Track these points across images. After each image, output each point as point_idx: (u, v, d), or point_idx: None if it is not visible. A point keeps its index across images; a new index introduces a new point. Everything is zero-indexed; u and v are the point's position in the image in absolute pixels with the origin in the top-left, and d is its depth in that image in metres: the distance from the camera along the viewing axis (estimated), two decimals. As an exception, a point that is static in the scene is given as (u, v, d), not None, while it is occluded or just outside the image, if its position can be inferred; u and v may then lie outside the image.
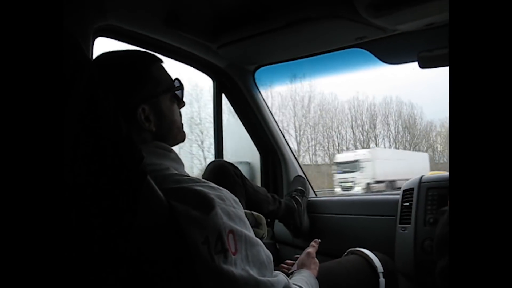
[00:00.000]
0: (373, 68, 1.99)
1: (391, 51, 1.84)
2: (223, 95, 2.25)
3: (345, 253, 1.53)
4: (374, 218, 1.95)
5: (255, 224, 1.19)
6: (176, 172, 0.95)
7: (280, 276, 0.91)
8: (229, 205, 0.86)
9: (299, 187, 2.18)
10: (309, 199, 2.27)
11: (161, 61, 1.04)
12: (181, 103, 1.07)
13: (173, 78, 1.06)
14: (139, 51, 1.07)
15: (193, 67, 2.07)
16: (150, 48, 1.60)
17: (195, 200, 0.82)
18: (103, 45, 1.47)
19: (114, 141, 0.66)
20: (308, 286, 1.07)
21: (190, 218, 0.79)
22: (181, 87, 1.06)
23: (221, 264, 0.78)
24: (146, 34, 1.65)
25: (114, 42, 1.59)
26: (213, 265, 0.78)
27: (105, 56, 0.99)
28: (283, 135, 2.33)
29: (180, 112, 1.07)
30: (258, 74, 2.21)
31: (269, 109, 2.26)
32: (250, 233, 0.88)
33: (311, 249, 1.33)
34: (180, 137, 1.06)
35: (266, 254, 0.89)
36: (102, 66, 0.93)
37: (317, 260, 1.30)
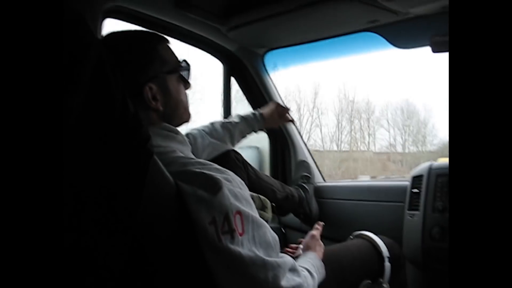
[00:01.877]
0: (384, 51, 1.96)
1: (403, 35, 1.81)
2: (232, 78, 2.23)
3: (351, 237, 1.53)
4: (382, 204, 1.94)
5: (261, 207, 1.19)
6: (182, 154, 0.95)
7: (287, 257, 0.91)
8: (235, 186, 0.87)
9: (305, 173, 2.17)
10: (318, 184, 2.27)
11: (167, 41, 1.04)
12: (188, 85, 1.08)
13: (181, 59, 1.06)
14: (145, 31, 1.08)
15: (203, 49, 2.06)
16: (159, 30, 1.57)
17: (202, 181, 0.82)
18: (112, 27, 1.46)
19: (121, 119, 0.66)
20: (314, 268, 1.07)
21: (197, 199, 0.80)
22: (188, 67, 1.06)
23: (228, 244, 0.79)
24: (156, 16, 1.65)
25: (123, 24, 1.58)
26: (220, 245, 0.79)
27: (112, 35, 1.00)
28: (292, 120, 2.32)
29: (186, 93, 1.07)
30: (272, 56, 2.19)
31: (278, 93, 2.25)
32: (256, 214, 0.88)
33: (316, 231, 1.33)
34: (186, 117, 1.07)
35: (272, 235, 0.90)
36: (109, 45, 0.93)
37: (322, 243, 1.30)
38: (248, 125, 1.67)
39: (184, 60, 1.06)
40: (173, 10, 1.62)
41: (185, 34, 1.84)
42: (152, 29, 1.59)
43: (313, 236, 1.30)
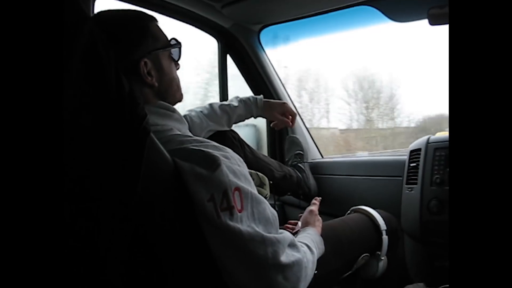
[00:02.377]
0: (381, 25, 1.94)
1: (400, 8, 1.79)
2: (228, 56, 2.21)
3: (348, 212, 1.54)
4: (380, 179, 1.95)
5: (259, 184, 1.19)
6: (180, 133, 0.95)
7: (286, 233, 0.92)
8: (234, 163, 0.87)
9: (298, 151, 2.16)
10: (315, 160, 2.27)
11: (156, 20, 1.04)
12: (177, 64, 1.08)
13: (170, 38, 1.06)
14: (136, 10, 1.08)
15: (197, 27, 2.04)
16: (153, 8, 1.56)
17: (200, 158, 0.82)
18: (104, 6, 1.44)
19: (117, 98, 0.65)
20: (314, 243, 1.08)
21: (196, 176, 0.80)
22: (179, 45, 1.07)
23: (227, 221, 0.79)
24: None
25: (116, 2, 1.55)
26: (219, 221, 0.79)
27: (104, 14, 0.99)
28: (289, 96, 2.31)
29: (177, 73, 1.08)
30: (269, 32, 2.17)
31: (274, 70, 2.23)
32: (255, 191, 0.88)
33: (314, 207, 1.34)
34: (178, 95, 1.07)
35: (271, 212, 0.90)
36: (102, 24, 0.93)
37: (320, 218, 1.31)
38: (247, 109, 1.64)
39: (174, 38, 1.07)
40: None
41: (179, 11, 1.81)
42: (146, 7, 1.57)
43: (311, 211, 1.31)
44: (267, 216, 0.88)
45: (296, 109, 2.34)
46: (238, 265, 0.83)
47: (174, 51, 1.05)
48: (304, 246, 1.01)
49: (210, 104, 1.61)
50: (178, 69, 1.09)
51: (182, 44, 1.07)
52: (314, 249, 1.04)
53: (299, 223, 1.29)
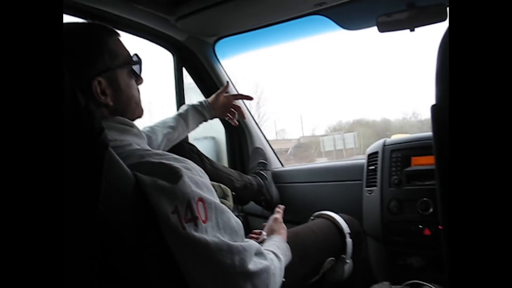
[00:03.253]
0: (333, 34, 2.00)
1: (350, 17, 1.85)
2: (183, 69, 2.21)
3: (312, 218, 1.56)
4: (341, 183, 1.99)
5: (223, 195, 1.19)
6: (139, 147, 0.93)
7: (252, 241, 0.92)
8: (195, 174, 0.86)
9: (261, 160, 2.18)
10: (276, 169, 2.29)
11: (118, 34, 1.01)
12: (140, 79, 1.05)
13: (132, 53, 1.02)
14: (94, 23, 1.03)
15: (152, 41, 2.02)
16: (106, 23, 1.53)
17: (162, 171, 0.81)
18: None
19: (72, 112, 0.64)
20: (280, 250, 1.09)
21: (158, 189, 0.78)
22: (139, 62, 1.03)
23: (192, 232, 0.78)
24: (101, 8, 1.60)
25: (67, 17, 1.53)
26: (184, 233, 0.77)
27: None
28: (247, 107, 2.32)
29: (138, 88, 1.04)
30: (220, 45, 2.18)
31: (231, 81, 2.24)
32: (218, 201, 0.88)
33: (278, 215, 1.35)
34: (138, 112, 1.03)
35: (236, 221, 0.90)
36: None
37: (284, 225, 1.32)
38: (198, 113, 1.64)
39: (136, 54, 1.03)
40: (119, 2, 1.58)
41: (133, 26, 1.80)
42: (98, 22, 1.55)
43: (276, 219, 1.32)
44: (232, 225, 0.88)
45: (256, 124, 2.36)
46: (206, 276, 0.82)
47: (134, 66, 1.02)
48: (270, 253, 1.01)
49: (162, 119, 1.61)
50: (140, 83, 1.05)
51: (142, 60, 1.04)
52: (281, 256, 1.04)
53: (264, 232, 1.30)
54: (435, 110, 0.89)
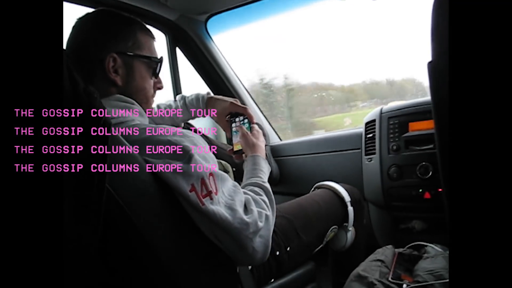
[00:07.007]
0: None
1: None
2: (177, 48, 2.20)
3: (312, 189, 1.58)
4: (340, 153, 2.00)
5: (224, 172, 1.20)
6: (141, 123, 0.95)
7: (241, 195, 0.95)
8: (201, 149, 0.90)
9: None
10: (275, 144, 2.30)
11: (153, 37, 1.06)
12: (159, 81, 1.08)
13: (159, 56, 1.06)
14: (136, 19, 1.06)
15: (144, 22, 2.00)
16: (99, 6, 1.52)
17: (171, 150, 0.84)
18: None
19: (72, 94, 0.64)
20: (262, 173, 1.13)
21: (173, 170, 0.82)
22: (159, 62, 1.05)
23: (210, 206, 0.84)
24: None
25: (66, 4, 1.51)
26: (204, 208, 0.83)
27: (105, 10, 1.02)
28: (242, 83, 2.32)
29: (151, 85, 1.06)
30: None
31: (224, 58, 2.24)
32: (217, 168, 0.93)
33: (241, 130, 1.27)
34: (145, 106, 1.05)
35: (233, 183, 0.96)
36: (99, 16, 0.99)
37: (256, 128, 1.27)
38: (193, 104, 1.40)
39: (162, 57, 1.06)
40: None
41: (123, 7, 1.78)
42: (88, 5, 1.54)
43: (244, 135, 1.24)
44: (230, 187, 0.94)
45: (252, 98, 2.36)
46: (226, 239, 0.88)
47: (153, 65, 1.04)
48: (262, 202, 1.00)
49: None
50: (159, 88, 1.09)
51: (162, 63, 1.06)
52: (268, 192, 1.05)
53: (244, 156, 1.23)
54: (432, 66, 0.90)
